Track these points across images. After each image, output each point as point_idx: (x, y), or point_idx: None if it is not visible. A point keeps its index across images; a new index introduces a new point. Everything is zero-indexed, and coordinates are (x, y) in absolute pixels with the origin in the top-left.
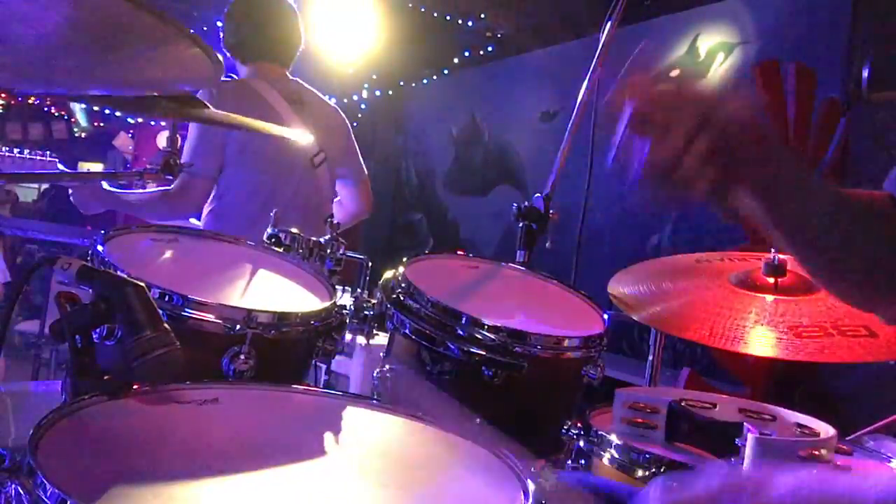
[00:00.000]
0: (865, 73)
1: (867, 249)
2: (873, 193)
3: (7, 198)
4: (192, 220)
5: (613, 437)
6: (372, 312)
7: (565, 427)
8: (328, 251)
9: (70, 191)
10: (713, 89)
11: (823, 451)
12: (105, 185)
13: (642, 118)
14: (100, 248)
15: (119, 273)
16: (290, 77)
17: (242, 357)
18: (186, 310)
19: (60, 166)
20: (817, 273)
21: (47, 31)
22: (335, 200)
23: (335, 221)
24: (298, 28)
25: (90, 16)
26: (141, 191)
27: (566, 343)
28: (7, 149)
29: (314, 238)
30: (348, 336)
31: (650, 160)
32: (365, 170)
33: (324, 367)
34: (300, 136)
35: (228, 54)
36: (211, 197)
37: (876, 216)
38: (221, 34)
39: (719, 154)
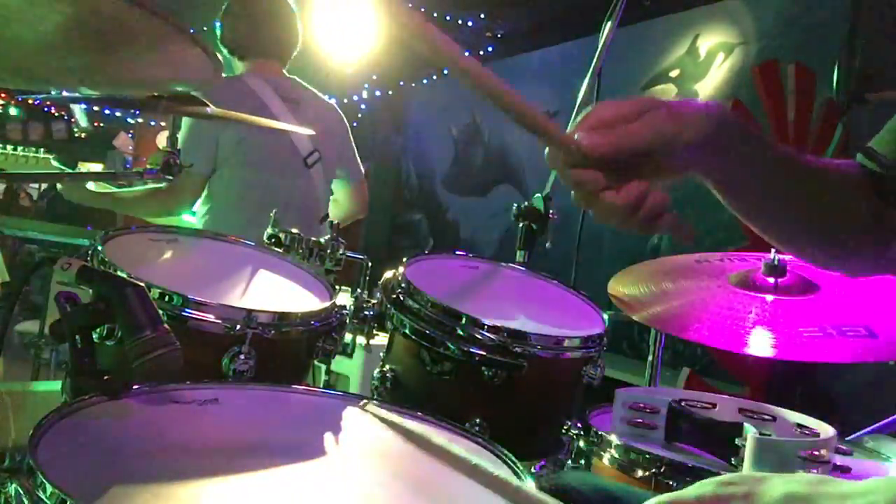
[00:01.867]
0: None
1: (830, 212)
2: (840, 163)
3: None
4: (187, 217)
5: (613, 437)
6: (372, 312)
7: (565, 427)
8: (328, 251)
9: (59, 186)
10: (652, 128)
11: (823, 452)
12: (92, 186)
13: (589, 184)
14: (100, 248)
15: (119, 273)
16: (288, 75)
17: (242, 357)
18: (186, 310)
19: (55, 163)
20: (780, 240)
21: (46, 31)
22: (331, 199)
23: (333, 221)
24: (296, 26)
25: (89, 15)
26: (130, 189)
27: (566, 343)
28: (0, 145)
29: (314, 238)
30: (348, 336)
31: (603, 212)
32: (362, 170)
33: (324, 367)
34: (298, 129)
35: (225, 51)
36: (205, 197)
37: (840, 182)
38: (219, 31)
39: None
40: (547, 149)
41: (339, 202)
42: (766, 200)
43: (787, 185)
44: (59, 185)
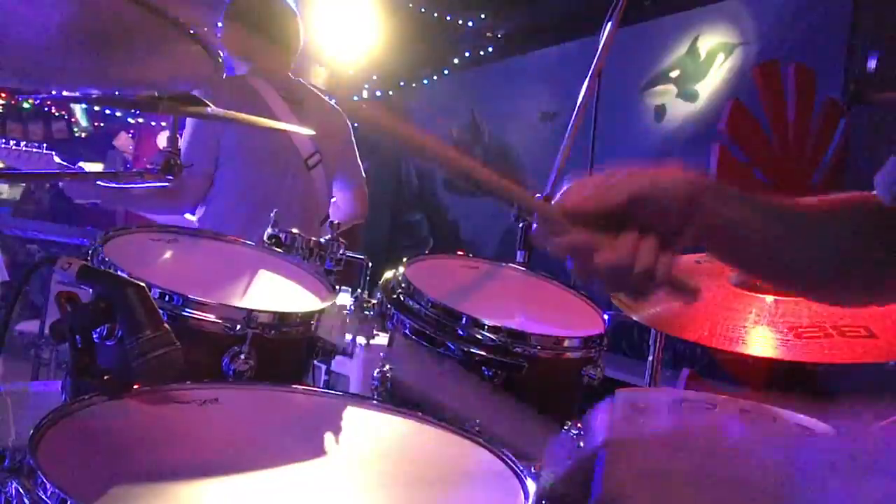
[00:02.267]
0: (873, 64)
1: (842, 255)
2: (853, 196)
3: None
4: (188, 216)
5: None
6: (372, 312)
7: (565, 427)
8: (328, 251)
9: (61, 183)
10: (634, 183)
11: None
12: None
13: (581, 250)
14: (100, 248)
15: (119, 273)
16: (291, 76)
17: (242, 357)
18: (186, 310)
19: (57, 159)
20: (797, 289)
21: (48, 31)
22: (331, 202)
23: (333, 222)
24: (298, 26)
25: (91, 15)
26: (136, 186)
27: (566, 343)
28: (3, 141)
29: (314, 238)
30: (348, 336)
31: (604, 276)
32: (363, 173)
33: (324, 367)
34: (300, 129)
35: (227, 53)
36: (206, 197)
37: (851, 217)
38: (220, 33)
39: (669, 240)
40: (535, 228)
41: (339, 206)
42: (771, 256)
43: (790, 238)
44: (61, 185)
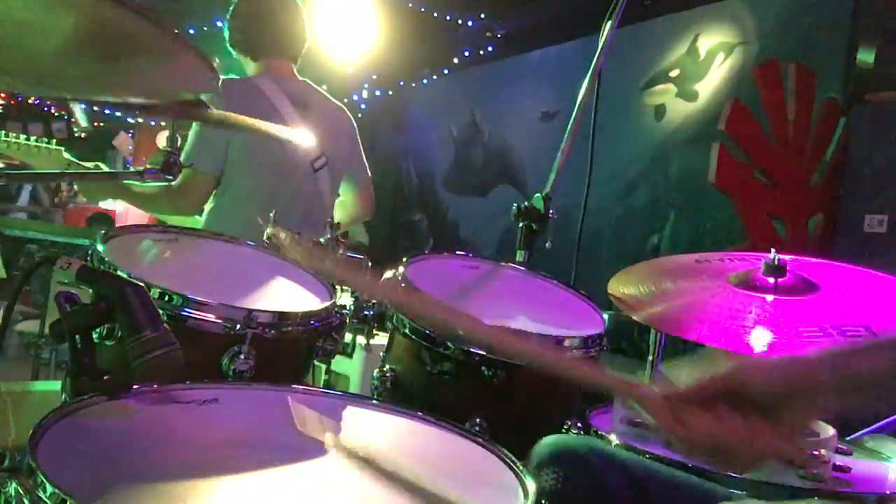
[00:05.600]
0: (871, 57)
1: None
2: None
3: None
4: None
5: (613, 437)
6: (372, 312)
7: (565, 427)
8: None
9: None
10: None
11: (823, 451)
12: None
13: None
14: (100, 248)
15: (119, 273)
16: (298, 77)
17: (242, 357)
18: (186, 310)
19: (66, 155)
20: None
21: (55, 41)
22: (337, 201)
23: (334, 222)
24: (304, 23)
25: (96, 26)
26: (145, 184)
27: (566, 343)
28: (14, 136)
29: (314, 238)
30: (348, 336)
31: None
32: (369, 173)
33: (324, 367)
34: (302, 137)
35: (235, 52)
36: (211, 197)
37: None
38: (227, 32)
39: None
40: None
41: (346, 204)
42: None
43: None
44: (76, 188)
